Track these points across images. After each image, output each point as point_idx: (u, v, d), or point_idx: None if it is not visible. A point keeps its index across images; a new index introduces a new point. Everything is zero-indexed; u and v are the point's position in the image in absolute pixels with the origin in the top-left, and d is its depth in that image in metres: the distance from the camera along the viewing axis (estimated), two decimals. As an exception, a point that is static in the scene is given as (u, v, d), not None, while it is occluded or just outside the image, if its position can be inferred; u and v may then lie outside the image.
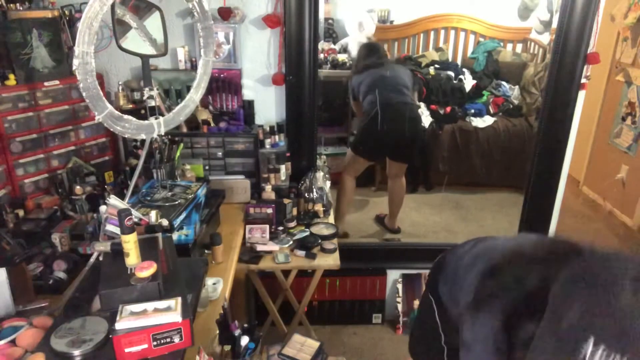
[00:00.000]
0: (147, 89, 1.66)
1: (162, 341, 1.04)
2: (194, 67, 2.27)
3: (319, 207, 2.38)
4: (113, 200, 1.43)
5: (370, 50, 3.29)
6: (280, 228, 2.23)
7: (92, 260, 1.46)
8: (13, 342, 1.17)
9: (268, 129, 2.36)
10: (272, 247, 2.13)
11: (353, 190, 3.28)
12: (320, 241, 2.18)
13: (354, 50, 4.09)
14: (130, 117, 1.58)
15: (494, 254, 0.98)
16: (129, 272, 1.16)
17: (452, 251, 1.23)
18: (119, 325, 1.02)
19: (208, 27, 1.84)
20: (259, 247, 2.12)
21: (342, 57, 4.07)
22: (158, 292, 1.12)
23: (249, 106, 2.39)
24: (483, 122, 3.88)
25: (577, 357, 0.61)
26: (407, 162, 3.25)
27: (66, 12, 2.08)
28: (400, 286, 2.77)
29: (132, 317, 1.03)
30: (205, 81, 1.89)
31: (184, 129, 2.25)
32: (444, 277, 1.17)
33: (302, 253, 2.12)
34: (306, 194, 2.38)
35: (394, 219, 3.37)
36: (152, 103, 1.67)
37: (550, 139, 2.47)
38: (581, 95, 2.40)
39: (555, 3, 4.07)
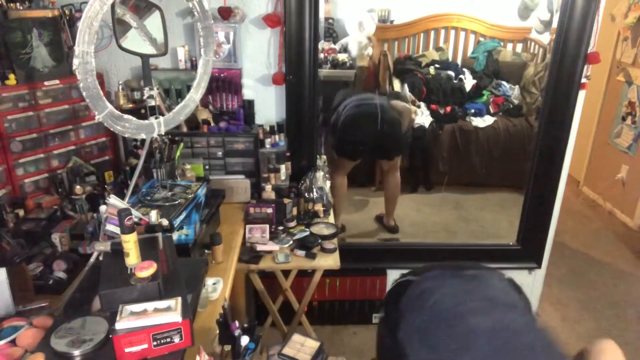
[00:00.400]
0: (147, 88, 1.65)
1: (162, 341, 1.04)
2: (194, 66, 2.27)
3: (319, 207, 2.38)
4: (113, 200, 1.43)
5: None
6: (280, 228, 2.23)
7: (92, 260, 1.46)
8: (13, 342, 1.17)
9: (268, 128, 2.36)
10: (272, 247, 2.13)
11: (345, 188, 3.29)
12: (320, 241, 2.18)
13: (354, 50, 4.08)
14: (130, 117, 1.58)
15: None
16: (129, 272, 1.16)
17: (409, 301, 1.14)
18: (119, 325, 1.02)
19: (208, 26, 1.84)
20: (259, 247, 2.11)
21: (342, 56, 4.07)
22: (158, 292, 1.12)
23: (249, 106, 2.39)
24: (483, 121, 3.88)
25: None
26: (390, 159, 3.27)
27: (66, 11, 2.08)
28: (400, 286, 2.77)
29: (132, 317, 1.03)
30: (205, 81, 1.89)
31: (184, 129, 2.25)
32: (406, 332, 1.11)
33: (302, 253, 2.12)
34: (306, 194, 2.38)
35: (390, 215, 3.37)
36: (152, 102, 1.66)
37: (550, 139, 2.47)
38: (581, 95, 2.39)
39: (555, 3, 4.07)
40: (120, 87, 2.18)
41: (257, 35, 2.30)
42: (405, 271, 1.21)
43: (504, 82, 4.20)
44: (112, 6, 1.47)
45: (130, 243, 1.16)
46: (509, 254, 2.77)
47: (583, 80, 2.35)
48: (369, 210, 3.70)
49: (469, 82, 4.19)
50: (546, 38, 4.25)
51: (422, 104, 3.93)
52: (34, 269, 1.56)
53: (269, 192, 2.28)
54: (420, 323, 1.02)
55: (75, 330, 1.09)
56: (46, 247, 1.70)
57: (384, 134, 3.16)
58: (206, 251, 1.81)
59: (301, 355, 1.75)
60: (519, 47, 4.62)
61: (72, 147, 2.15)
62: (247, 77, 2.38)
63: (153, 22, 1.71)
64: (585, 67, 2.32)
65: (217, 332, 1.43)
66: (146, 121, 1.65)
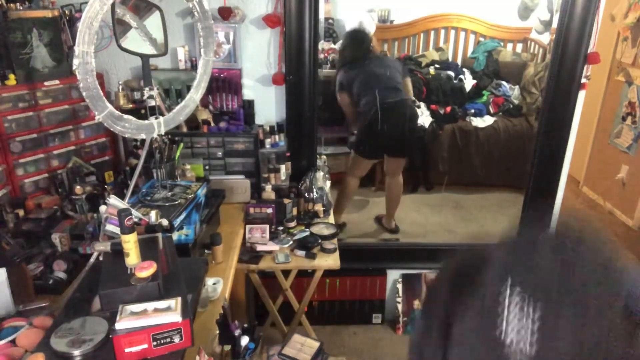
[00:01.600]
0: (147, 88, 1.65)
1: (162, 341, 1.04)
2: (194, 66, 2.27)
3: (319, 207, 2.38)
4: (113, 200, 1.43)
5: (356, 41, 3.15)
6: (280, 228, 2.23)
7: (92, 260, 1.46)
8: (13, 342, 1.17)
9: (268, 128, 2.36)
10: (272, 247, 2.13)
11: (355, 191, 3.29)
12: (320, 241, 2.18)
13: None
14: (130, 117, 1.58)
15: None
16: (129, 272, 1.16)
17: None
18: (119, 325, 1.02)
19: (208, 26, 1.84)
20: (259, 247, 2.12)
21: (342, 57, 4.06)
22: (158, 292, 1.12)
23: (249, 106, 2.39)
24: (483, 122, 3.88)
25: (497, 309, 0.62)
26: (406, 157, 3.26)
27: (66, 11, 2.08)
28: (400, 286, 2.77)
29: (132, 317, 1.03)
30: (205, 81, 1.89)
31: (184, 129, 2.25)
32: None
33: (302, 253, 2.12)
34: (306, 194, 2.38)
35: (390, 217, 3.37)
36: (152, 103, 1.67)
37: (550, 139, 2.47)
38: (581, 95, 2.39)
39: (555, 3, 4.07)
40: (120, 87, 2.18)
41: (257, 35, 2.30)
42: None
43: (504, 82, 4.20)
44: (112, 6, 1.47)
45: (130, 243, 1.16)
46: (509, 254, 2.76)
47: (583, 80, 2.35)
48: (369, 210, 3.70)
49: (469, 82, 4.19)
50: (546, 38, 4.25)
51: (422, 104, 3.93)
52: (34, 269, 1.56)
53: (269, 192, 2.28)
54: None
55: (75, 330, 1.09)
56: (46, 247, 1.70)
57: (407, 130, 3.13)
58: (206, 251, 1.81)
59: (301, 355, 1.75)
60: (519, 47, 4.62)
61: (72, 147, 2.14)
62: (247, 77, 2.38)
63: (153, 22, 1.71)
64: (585, 67, 2.32)
65: (217, 332, 1.43)
66: (146, 121, 1.65)
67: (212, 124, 2.31)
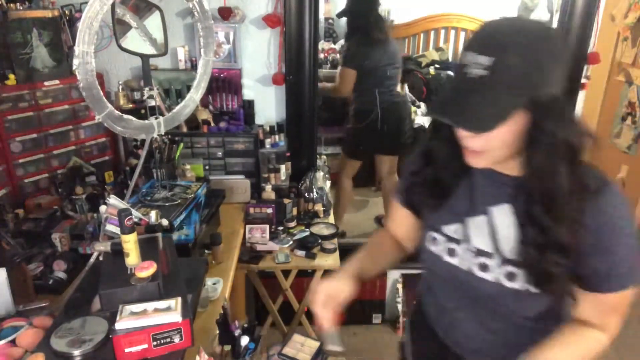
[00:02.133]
0: (147, 88, 1.65)
1: (162, 341, 1.04)
2: (194, 66, 2.27)
3: (319, 207, 2.38)
4: (113, 200, 1.43)
5: (365, 6, 2.90)
6: (280, 228, 2.23)
7: (92, 260, 1.46)
8: (13, 342, 1.17)
9: (268, 128, 2.36)
10: (272, 247, 2.13)
11: (351, 191, 3.28)
12: (320, 241, 2.18)
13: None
14: (130, 117, 1.58)
15: None
16: (129, 272, 1.16)
17: None
18: (119, 325, 1.02)
19: (208, 26, 1.84)
20: (259, 247, 2.12)
21: (342, 57, 4.06)
22: (158, 292, 1.12)
23: (249, 106, 2.39)
24: (483, 122, 3.87)
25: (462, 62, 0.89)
26: (396, 154, 3.25)
27: (66, 11, 2.08)
28: (400, 286, 2.77)
29: (132, 317, 1.03)
30: (205, 81, 1.89)
31: (184, 129, 2.25)
32: None
33: (302, 253, 2.12)
34: (306, 194, 2.38)
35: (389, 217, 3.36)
36: (152, 103, 1.67)
37: (551, 139, 2.46)
38: (581, 95, 2.40)
39: (555, 3, 4.07)
40: (120, 87, 2.18)
41: (257, 35, 2.30)
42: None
43: (504, 82, 4.19)
44: (112, 6, 1.47)
45: (130, 243, 1.16)
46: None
47: (583, 80, 2.35)
48: (369, 210, 3.70)
49: (469, 82, 4.18)
50: (546, 38, 4.24)
51: (422, 104, 3.93)
52: (34, 269, 1.56)
53: (269, 192, 2.28)
54: None
55: (75, 330, 1.09)
56: (46, 247, 1.70)
57: (399, 129, 3.10)
58: (206, 251, 1.81)
59: (301, 355, 1.75)
60: (519, 47, 4.60)
61: (72, 147, 2.14)
62: (247, 77, 2.38)
63: (153, 22, 1.71)
64: (585, 67, 2.32)
65: (217, 332, 1.43)
66: (146, 121, 1.65)
67: (212, 124, 2.31)
